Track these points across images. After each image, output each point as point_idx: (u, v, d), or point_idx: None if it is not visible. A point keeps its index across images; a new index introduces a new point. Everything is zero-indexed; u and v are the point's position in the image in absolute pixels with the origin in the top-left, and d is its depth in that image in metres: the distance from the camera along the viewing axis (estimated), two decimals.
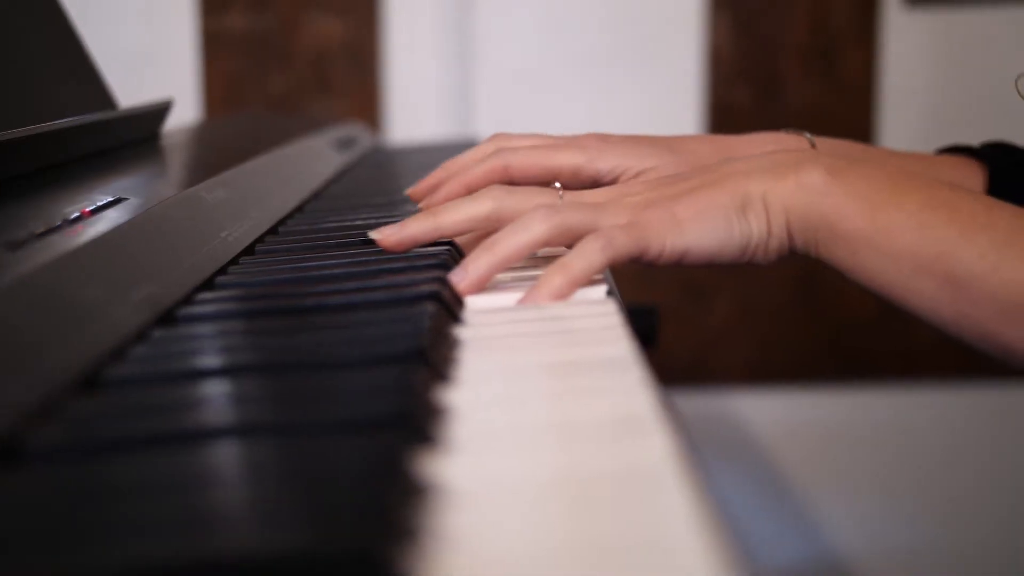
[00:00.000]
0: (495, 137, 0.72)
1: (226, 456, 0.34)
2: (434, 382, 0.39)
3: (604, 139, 0.69)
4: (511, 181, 0.66)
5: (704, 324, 1.70)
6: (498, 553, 0.27)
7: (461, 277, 0.53)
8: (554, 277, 0.52)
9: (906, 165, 0.71)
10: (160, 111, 0.90)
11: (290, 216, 0.75)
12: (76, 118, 0.75)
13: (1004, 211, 0.53)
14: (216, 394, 0.40)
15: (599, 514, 0.30)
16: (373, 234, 0.59)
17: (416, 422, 0.34)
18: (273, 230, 0.69)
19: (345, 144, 1.11)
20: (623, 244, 0.53)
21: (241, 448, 0.34)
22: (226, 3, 1.62)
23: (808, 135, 0.70)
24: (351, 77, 1.64)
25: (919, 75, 1.66)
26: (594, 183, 0.67)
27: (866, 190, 0.54)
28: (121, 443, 0.35)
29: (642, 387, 0.39)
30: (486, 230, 0.60)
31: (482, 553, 0.27)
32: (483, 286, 0.54)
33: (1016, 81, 0.69)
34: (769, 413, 1.71)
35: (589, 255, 0.52)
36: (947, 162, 0.73)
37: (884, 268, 0.54)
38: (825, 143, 0.70)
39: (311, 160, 0.95)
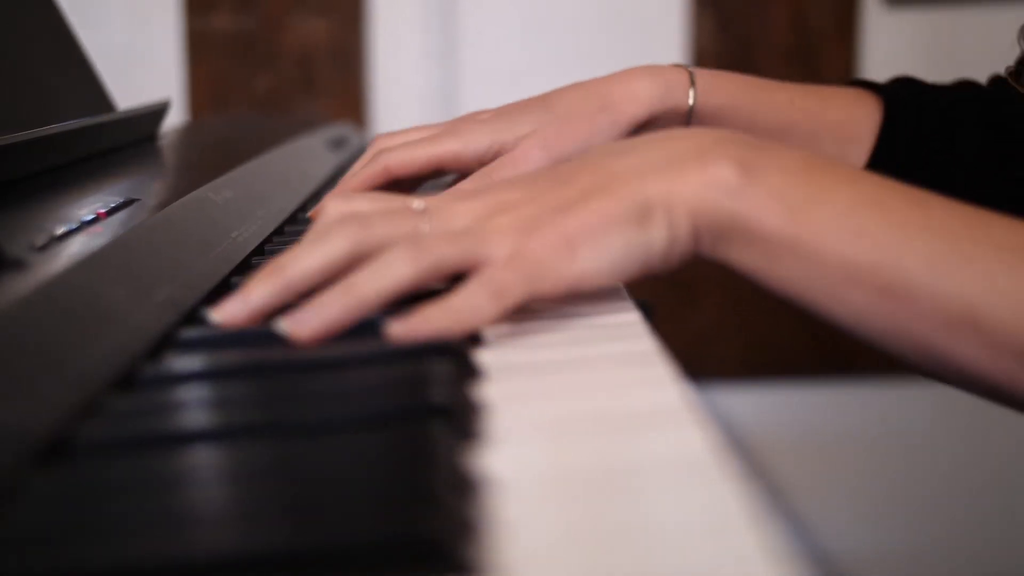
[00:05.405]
0: (376, 139, 0.72)
1: (274, 451, 0.35)
2: (465, 376, 0.40)
3: (475, 119, 0.69)
4: (395, 181, 0.67)
5: (692, 321, 1.71)
6: (539, 544, 0.28)
7: (303, 323, 0.44)
8: (438, 319, 0.44)
9: (797, 99, 0.71)
10: (158, 112, 0.91)
11: (293, 216, 0.75)
12: (78, 121, 0.75)
13: (935, 207, 0.47)
14: (255, 391, 0.40)
15: (648, 503, 0.30)
16: (215, 315, 0.46)
17: (456, 416, 0.35)
18: (279, 230, 0.70)
19: (337, 144, 1.12)
20: (515, 292, 0.45)
21: (283, 443, 0.35)
22: (211, 4, 1.62)
23: (688, 67, 0.70)
24: (336, 77, 1.64)
25: (900, 74, 1.68)
26: (479, 163, 0.68)
27: (786, 185, 0.47)
28: (166, 438, 0.35)
29: (671, 381, 0.39)
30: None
31: (529, 544, 0.28)
32: (330, 335, 0.44)
33: (1019, 34, 0.68)
34: (757, 410, 1.72)
35: (479, 306, 0.44)
36: (843, 95, 0.72)
37: (807, 276, 0.47)
38: (705, 76, 0.69)
39: (308, 160, 0.96)
